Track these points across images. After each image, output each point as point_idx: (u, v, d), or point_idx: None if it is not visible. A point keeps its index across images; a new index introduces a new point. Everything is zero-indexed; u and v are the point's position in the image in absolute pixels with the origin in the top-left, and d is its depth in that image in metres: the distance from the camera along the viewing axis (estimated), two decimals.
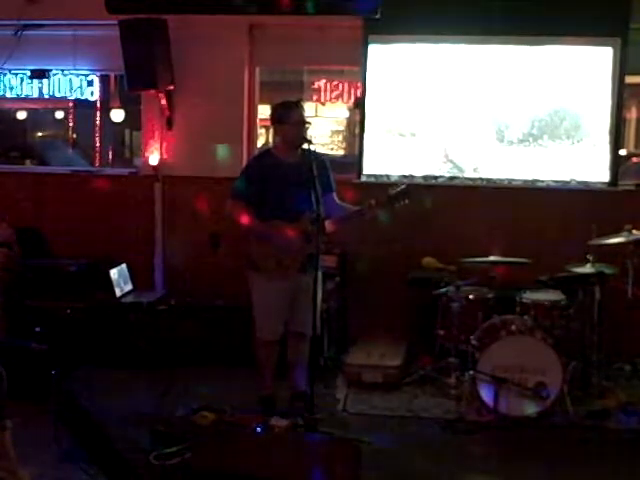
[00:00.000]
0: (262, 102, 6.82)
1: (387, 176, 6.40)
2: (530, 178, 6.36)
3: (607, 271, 5.36)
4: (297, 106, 4.86)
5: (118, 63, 6.24)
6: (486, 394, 4.89)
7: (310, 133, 4.79)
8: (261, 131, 6.95)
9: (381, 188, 4.88)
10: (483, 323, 5.27)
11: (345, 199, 5.20)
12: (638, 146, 9.75)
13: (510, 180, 6.39)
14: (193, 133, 6.62)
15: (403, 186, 4.77)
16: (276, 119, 4.88)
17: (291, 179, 4.72)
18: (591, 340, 5.36)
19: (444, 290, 5.59)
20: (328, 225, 4.70)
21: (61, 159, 9.69)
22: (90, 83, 7.00)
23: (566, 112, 6.27)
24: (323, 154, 4.74)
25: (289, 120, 4.77)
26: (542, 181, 6.35)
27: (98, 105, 9.40)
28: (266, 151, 5.26)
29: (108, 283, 6.20)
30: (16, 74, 6.97)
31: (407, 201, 4.72)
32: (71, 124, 10.89)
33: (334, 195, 4.92)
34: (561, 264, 5.57)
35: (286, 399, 4.97)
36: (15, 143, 9.76)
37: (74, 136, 10.98)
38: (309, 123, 4.82)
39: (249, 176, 4.85)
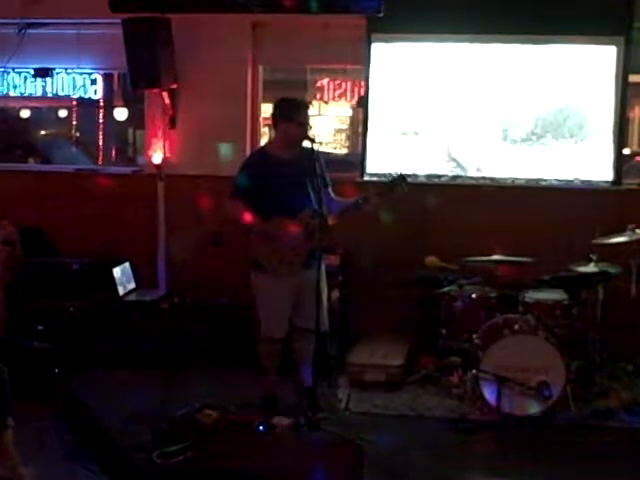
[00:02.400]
0: (265, 101, 6.81)
1: (390, 174, 6.37)
2: (533, 177, 6.35)
3: (611, 270, 5.35)
4: (305, 106, 4.84)
5: (121, 62, 6.24)
6: (489, 393, 4.88)
7: (313, 132, 4.78)
8: (264, 129, 6.95)
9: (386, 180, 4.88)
10: (486, 322, 5.26)
11: (348, 198, 5.20)
12: None
13: (513, 179, 6.38)
14: (196, 132, 6.62)
15: (399, 173, 4.77)
16: (281, 115, 4.81)
17: (289, 176, 4.70)
18: (594, 340, 5.35)
19: (447, 289, 5.58)
20: (329, 219, 4.68)
21: (64, 158, 9.70)
22: (93, 82, 7.01)
23: (569, 111, 6.26)
24: (317, 152, 4.70)
25: (296, 119, 4.73)
26: (545, 180, 6.34)
27: (101, 104, 9.41)
28: (262, 148, 5.25)
29: (111, 281, 6.20)
30: (20, 73, 6.97)
31: (405, 188, 4.73)
32: (74, 123, 10.90)
33: (329, 189, 4.90)
34: (564, 263, 5.56)
35: (289, 397, 4.97)
36: (18, 141, 9.77)
37: (77, 135, 10.99)
38: (311, 126, 4.81)
39: (247, 174, 4.81)
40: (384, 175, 6.32)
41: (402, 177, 4.75)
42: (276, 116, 4.88)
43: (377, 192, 4.77)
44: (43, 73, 6.79)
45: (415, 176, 6.37)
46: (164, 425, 4.43)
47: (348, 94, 7.31)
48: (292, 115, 4.75)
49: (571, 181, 6.31)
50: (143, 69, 6.17)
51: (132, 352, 5.89)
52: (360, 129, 6.77)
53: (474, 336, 5.18)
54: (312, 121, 4.84)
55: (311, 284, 4.55)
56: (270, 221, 4.72)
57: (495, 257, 5.51)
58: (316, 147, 4.61)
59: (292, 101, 4.88)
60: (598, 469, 4.29)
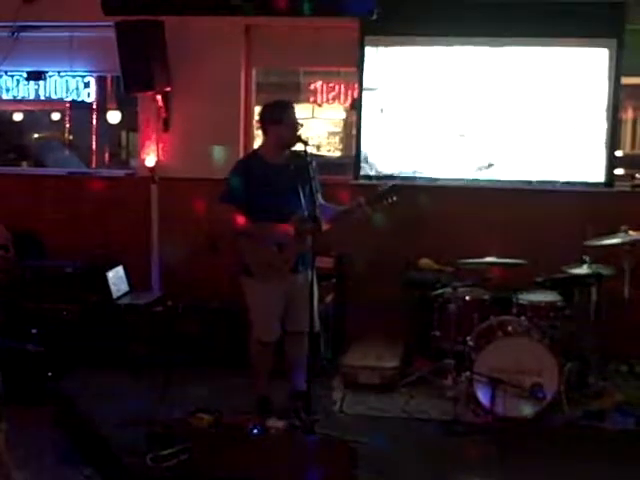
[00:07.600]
0: (259, 103, 6.80)
1: (384, 177, 6.39)
2: (526, 179, 6.35)
3: (603, 272, 5.36)
4: (291, 107, 4.84)
5: (115, 64, 6.24)
6: (483, 395, 4.89)
7: (305, 134, 4.77)
8: (258, 132, 6.94)
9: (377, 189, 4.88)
10: (480, 324, 5.27)
11: (342, 200, 5.20)
12: (634, 147, 9.77)
13: (506, 181, 6.38)
14: (190, 134, 6.62)
15: (391, 183, 4.78)
16: (270, 119, 4.80)
17: (280, 180, 4.70)
18: (587, 341, 5.36)
19: (441, 291, 5.59)
20: (323, 224, 4.67)
21: (57, 161, 9.68)
22: (86, 84, 7.01)
23: (562, 113, 6.27)
24: (310, 155, 4.69)
25: (285, 120, 4.73)
26: (538, 182, 6.34)
27: (94, 106, 9.39)
28: (253, 153, 5.22)
29: (105, 284, 6.19)
30: (12, 76, 6.98)
31: (395, 198, 4.73)
32: (67, 126, 10.88)
33: (319, 196, 4.88)
34: (557, 265, 5.57)
35: (283, 400, 4.97)
36: (11, 145, 9.75)
37: (70, 137, 10.97)
38: (301, 125, 4.80)
39: (238, 178, 4.79)
40: (377, 177, 6.40)
41: (392, 188, 4.74)
42: (265, 121, 4.86)
43: (367, 201, 4.76)
44: (36, 76, 6.79)
45: (409, 178, 6.39)
46: (158, 428, 4.42)
47: (342, 97, 7.30)
48: (281, 117, 4.74)
49: (564, 183, 6.32)
50: (136, 72, 6.16)
51: (126, 355, 5.89)
52: (354, 132, 6.78)
53: (468, 338, 5.19)
54: (301, 121, 4.82)
55: (301, 288, 4.55)
56: (259, 225, 4.69)
57: (489, 259, 5.52)
58: (309, 149, 4.61)
59: (278, 103, 4.87)
60: (592, 470, 4.30)
